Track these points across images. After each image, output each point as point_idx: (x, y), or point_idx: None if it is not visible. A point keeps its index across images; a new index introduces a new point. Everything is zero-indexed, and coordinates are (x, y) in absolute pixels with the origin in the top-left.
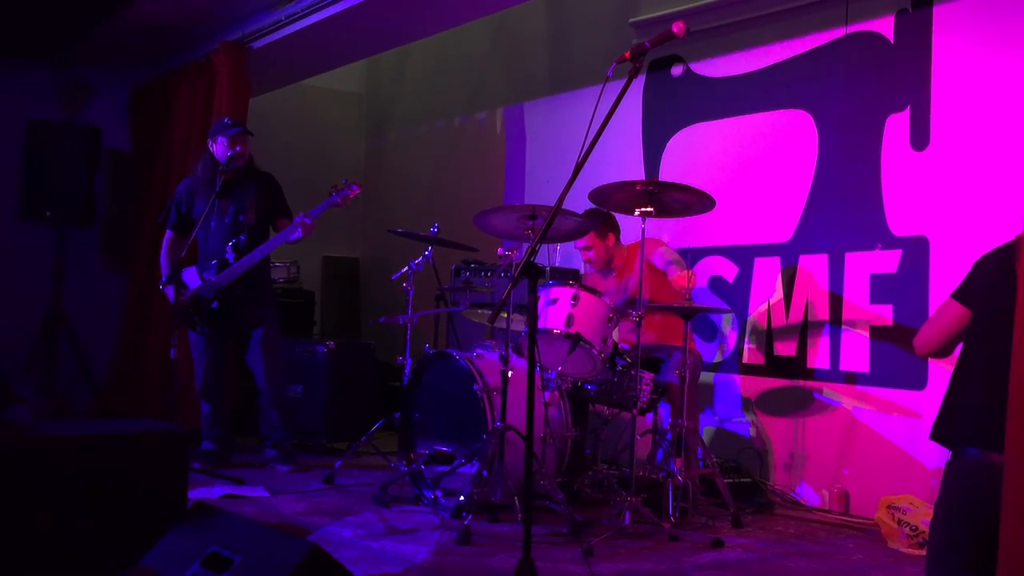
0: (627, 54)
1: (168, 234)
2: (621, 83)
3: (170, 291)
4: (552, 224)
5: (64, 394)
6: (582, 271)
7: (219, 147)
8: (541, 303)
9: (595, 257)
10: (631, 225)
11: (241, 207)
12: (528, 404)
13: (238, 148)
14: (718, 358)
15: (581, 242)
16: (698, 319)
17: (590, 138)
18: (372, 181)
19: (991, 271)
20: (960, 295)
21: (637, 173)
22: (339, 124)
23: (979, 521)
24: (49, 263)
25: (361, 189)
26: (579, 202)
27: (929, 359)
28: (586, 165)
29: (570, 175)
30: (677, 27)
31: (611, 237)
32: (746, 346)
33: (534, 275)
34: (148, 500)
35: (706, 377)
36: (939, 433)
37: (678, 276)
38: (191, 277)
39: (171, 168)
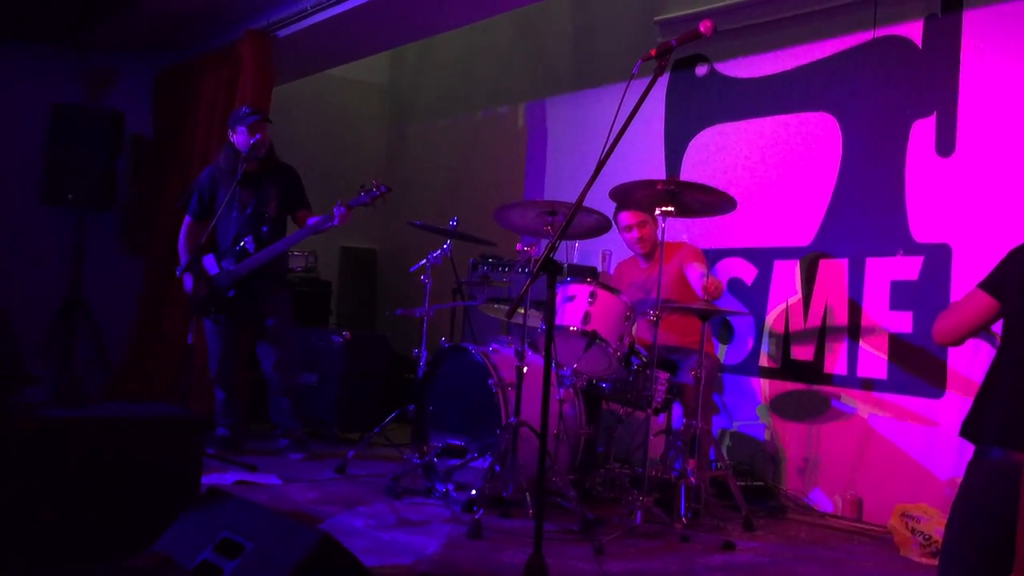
0: (652, 52)
1: (187, 220)
2: (645, 81)
3: (187, 279)
4: (573, 221)
5: (80, 375)
6: (599, 268)
7: (239, 136)
8: (558, 300)
9: (648, 236)
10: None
11: (263, 198)
12: (543, 400)
13: (258, 136)
14: (735, 360)
15: (634, 218)
16: (716, 321)
17: (613, 135)
18: (392, 172)
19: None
20: (989, 286)
21: (658, 172)
22: (361, 115)
23: (999, 519)
24: (68, 245)
25: (389, 191)
26: (600, 200)
27: (948, 367)
28: (607, 163)
29: (591, 172)
30: (704, 26)
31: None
32: (763, 349)
33: (553, 271)
34: (162, 484)
35: (723, 379)
36: (967, 430)
37: (706, 284)
38: (210, 264)
39: (192, 154)
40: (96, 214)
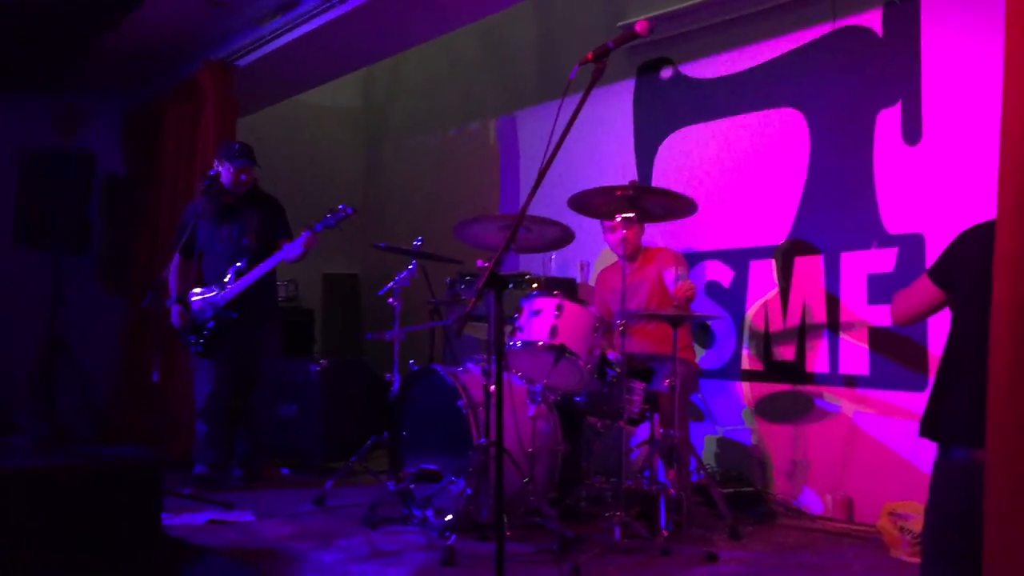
0: (589, 56)
1: (176, 257)
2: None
3: (174, 311)
4: (518, 233)
5: (65, 420)
6: (578, 279)
7: (224, 172)
8: (525, 314)
9: (632, 239)
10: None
11: (243, 231)
12: (497, 418)
13: (243, 177)
14: (717, 365)
15: (616, 221)
16: (696, 325)
17: (564, 144)
18: (371, 195)
19: (975, 254)
20: (936, 276)
21: (631, 178)
22: (337, 139)
23: (968, 523)
24: (46, 289)
25: (355, 212)
26: (566, 210)
27: (929, 356)
28: (580, 172)
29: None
30: (640, 26)
31: (639, 229)
32: (744, 352)
33: (499, 287)
34: (120, 529)
35: (706, 384)
36: (926, 428)
37: (677, 288)
38: (193, 298)
39: (161, 191)
40: (71, 256)
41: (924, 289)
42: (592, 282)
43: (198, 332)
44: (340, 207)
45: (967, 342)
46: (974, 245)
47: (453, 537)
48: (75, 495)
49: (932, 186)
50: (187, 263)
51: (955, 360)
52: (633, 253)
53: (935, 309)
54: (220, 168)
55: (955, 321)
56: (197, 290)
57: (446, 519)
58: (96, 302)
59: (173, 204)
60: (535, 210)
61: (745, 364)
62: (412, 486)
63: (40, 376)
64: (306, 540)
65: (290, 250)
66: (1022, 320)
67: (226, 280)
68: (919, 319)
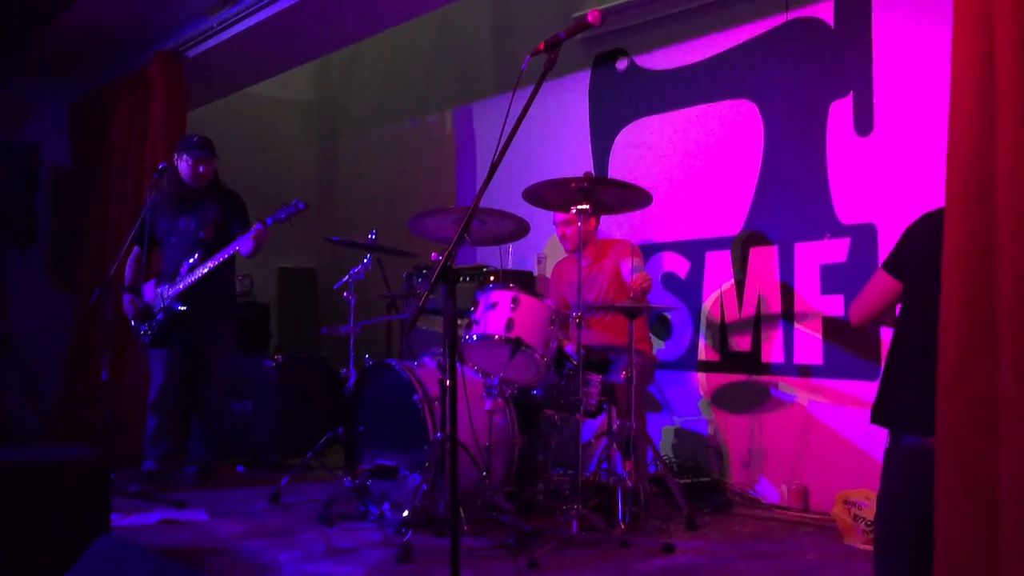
0: (541, 46)
1: (135, 249)
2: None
3: (126, 298)
4: (471, 226)
5: (11, 417)
6: (536, 272)
7: (183, 164)
8: (480, 308)
9: (586, 231)
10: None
11: (200, 224)
12: (451, 412)
13: (201, 169)
14: (674, 356)
15: (565, 215)
16: (653, 317)
17: (517, 135)
18: (326, 189)
19: (923, 243)
20: (891, 266)
21: (587, 170)
22: (291, 132)
23: (921, 508)
24: None
25: (308, 207)
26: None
27: (882, 345)
28: (535, 164)
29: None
30: (592, 16)
31: (594, 222)
32: (701, 342)
33: (451, 280)
34: (64, 530)
35: (663, 375)
36: (878, 416)
37: (633, 279)
38: (148, 290)
39: (110, 184)
40: (17, 248)
41: (881, 282)
42: (549, 274)
43: (147, 321)
44: (293, 202)
45: (916, 329)
46: (923, 233)
47: (409, 533)
48: (16, 495)
49: (884, 176)
50: (141, 254)
51: (905, 346)
52: (584, 245)
53: (895, 302)
54: (178, 161)
55: (905, 307)
56: (152, 281)
57: (403, 515)
58: (43, 297)
59: (122, 197)
60: (491, 203)
61: (702, 355)
62: (368, 482)
63: None
64: (261, 539)
65: (242, 243)
66: (970, 310)
67: (179, 273)
68: (881, 316)
